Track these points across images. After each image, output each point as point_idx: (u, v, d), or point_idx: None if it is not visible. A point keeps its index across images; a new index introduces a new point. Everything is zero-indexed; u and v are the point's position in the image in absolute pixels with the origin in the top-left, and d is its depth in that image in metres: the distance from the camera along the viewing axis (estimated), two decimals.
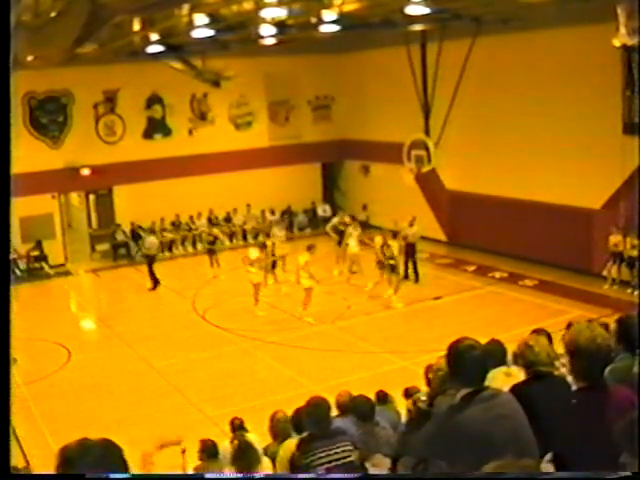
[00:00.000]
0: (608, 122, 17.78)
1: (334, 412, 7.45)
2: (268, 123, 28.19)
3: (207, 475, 5.74)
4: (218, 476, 5.21)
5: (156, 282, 21.31)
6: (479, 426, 3.58)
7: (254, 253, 18.67)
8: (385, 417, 7.55)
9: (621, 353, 4.92)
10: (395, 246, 18.35)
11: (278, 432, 7.84)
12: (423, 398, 4.15)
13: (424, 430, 3.98)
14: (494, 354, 6.43)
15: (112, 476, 2.72)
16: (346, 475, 5.24)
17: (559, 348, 4.53)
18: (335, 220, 22.43)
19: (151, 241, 21.93)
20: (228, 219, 26.97)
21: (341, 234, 21.43)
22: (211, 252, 22.48)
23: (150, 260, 21.47)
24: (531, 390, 4.41)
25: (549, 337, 6.20)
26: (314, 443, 5.62)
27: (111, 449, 2.85)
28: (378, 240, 18.39)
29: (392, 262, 18.12)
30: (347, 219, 22.21)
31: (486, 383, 3.89)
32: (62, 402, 13.78)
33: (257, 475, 6.43)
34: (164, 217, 25.77)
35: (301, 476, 5.47)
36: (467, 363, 3.77)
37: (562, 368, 4.89)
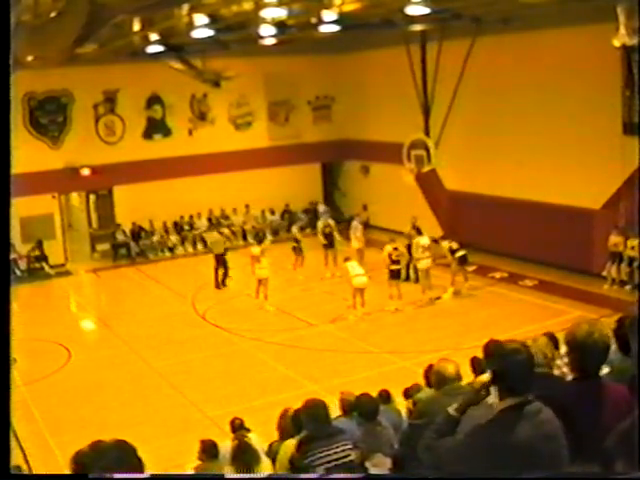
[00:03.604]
0: (608, 122, 17.78)
1: (337, 412, 7.47)
2: (268, 123, 28.19)
3: (228, 476, 5.72)
4: (233, 476, 5.20)
5: (223, 280, 21.02)
6: (529, 443, 3.39)
7: (256, 249, 19.06)
8: (386, 417, 7.56)
9: (619, 354, 4.95)
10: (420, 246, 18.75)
11: (286, 430, 7.84)
12: (455, 405, 3.96)
13: (460, 440, 3.71)
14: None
15: (115, 476, 2.69)
16: (346, 475, 5.24)
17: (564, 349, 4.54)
18: (319, 224, 22.68)
19: (215, 237, 21.99)
20: (227, 219, 26.94)
21: (327, 237, 21.72)
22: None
23: (218, 257, 21.07)
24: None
25: (554, 339, 6.19)
26: (313, 443, 5.62)
27: (126, 450, 2.81)
28: (388, 247, 18.34)
29: (394, 267, 18.09)
30: (331, 221, 22.56)
31: None
32: (62, 402, 13.78)
33: (259, 475, 6.44)
34: (164, 217, 25.74)
35: (301, 476, 5.48)
36: (512, 370, 3.50)
37: (564, 367, 4.90)
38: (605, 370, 4.54)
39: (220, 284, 20.90)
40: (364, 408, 7.09)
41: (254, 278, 18.95)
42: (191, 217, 26.46)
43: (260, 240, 20.66)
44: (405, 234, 20.24)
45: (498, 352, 3.65)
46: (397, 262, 18.16)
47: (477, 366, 7.50)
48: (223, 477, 5.32)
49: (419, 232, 19.70)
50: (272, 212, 27.76)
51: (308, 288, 20.37)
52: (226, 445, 7.89)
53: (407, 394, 8.65)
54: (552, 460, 3.41)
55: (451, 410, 3.87)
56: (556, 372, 5.17)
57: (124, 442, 2.83)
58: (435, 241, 19.87)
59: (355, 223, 22.33)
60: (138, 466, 2.78)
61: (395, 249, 18.20)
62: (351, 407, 7.31)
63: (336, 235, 21.77)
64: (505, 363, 3.55)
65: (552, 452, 3.44)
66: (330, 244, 21.56)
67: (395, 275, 18.09)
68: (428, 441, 3.90)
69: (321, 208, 27.96)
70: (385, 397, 8.65)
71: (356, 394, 7.56)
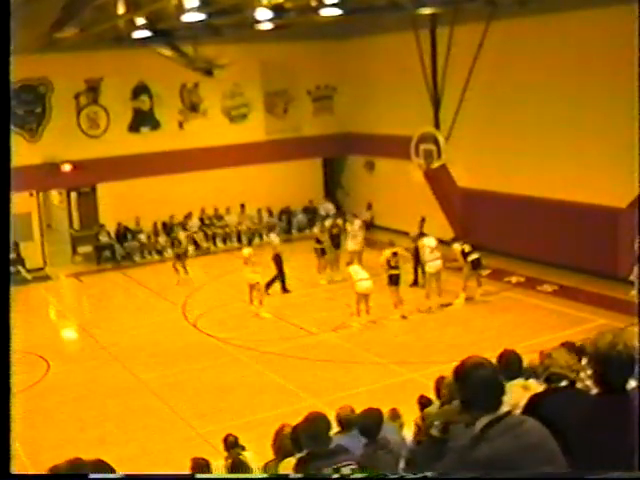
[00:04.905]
0: (634, 112, 17.72)
1: (336, 428, 7.43)
2: (265, 115, 28.18)
3: (199, 476, 5.78)
4: (215, 476, 5.23)
5: (274, 281, 20.62)
6: (510, 457, 3.44)
7: (247, 251, 19.31)
8: (391, 434, 7.52)
9: None
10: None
11: (283, 449, 7.80)
12: (436, 423, 4.06)
13: (446, 463, 3.86)
14: (510, 365, 6.42)
15: (114, 476, 2.76)
16: (346, 476, 5.26)
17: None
18: (327, 224, 22.82)
19: (274, 239, 21.73)
20: (221, 219, 26.93)
21: (333, 238, 21.86)
22: (178, 257, 22.29)
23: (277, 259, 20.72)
24: (547, 402, 4.40)
25: (576, 350, 6.17)
26: (313, 463, 5.59)
27: (104, 471, 2.86)
28: (386, 252, 18.31)
29: (393, 272, 18.06)
30: (340, 221, 22.77)
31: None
32: (40, 419, 13.73)
33: (259, 475, 6.45)
34: (152, 217, 25.72)
35: (297, 476, 5.52)
36: (477, 385, 3.60)
37: (587, 380, 4.88)
38: (632, 384, 4.51)
39: (268, 287, 20.40)
40: (366, 424, 7.04)
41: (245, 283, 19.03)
42: (186, 217, 26.41)
43: (251, 241, 20.73)
44: (411, 235, 20.26)
45: (460, 371, 3.72)
46: (396, 267, 18.14)
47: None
48: (193, 477, 5.40)
49: (422, 234, 19.72)
50: (270, 212, 27.73)
51: (308, 294, 20.36)
52: (219, 464, 7.87)
53: (421, 403, 8.62)
54: (542, 468, 3.46)
55: (434, 431, 3.97)
56: (579, 385, 5.15)
57: (104, 463, 2.88)
58: (446, 243, 19.87)
59: (347, 225, 22.36)
60: None
61: (394, 254, 18.17)
62: (349, 423, 7.24)
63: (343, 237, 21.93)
64: (468, 381, 3.64)
65: (540, 462, 3.48)
66: (337, 245, 21.71)
67: (394, 281, 18.06)
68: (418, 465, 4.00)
69: (330, 207, 28.04)
70: (392, 415, 8.62)
71: (355, 408, 7.53)
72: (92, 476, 2.75)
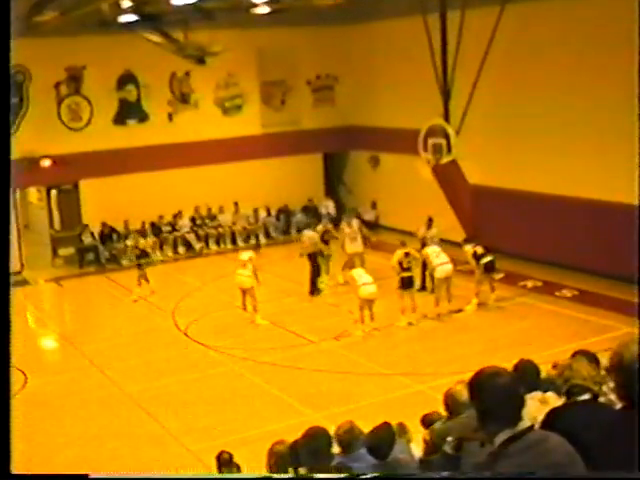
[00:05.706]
0: None
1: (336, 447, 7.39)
2: (261, 107, 28.21)
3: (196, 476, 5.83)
4: (217, 476, 5.24)
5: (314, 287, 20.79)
6: (537, 475, 3.42)
7: (245, 255, 19.29)
8: (402, 454, 7.48)
9: None
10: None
11: (278, 467, 7.77)
12: (449, 439, 4.06)
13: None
14: (526, 377, 6.40)
15: (114, 476, 2.85)
16: (345, 475, 5.29)
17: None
18: (319, 229, 22.81)
19: (310, 236, 21.50)
20: (214, 219, 26.91)
21: (327, 243, 21.83)
22: (139, 267, 21.96)
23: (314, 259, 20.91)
24: (567, 417, 4.39)
25: (596, 359, 6.16)
26: None
27: None
28: (398, 253, 18.30)
29: (405, 274, 18.03)
30: (354, 222, 22.63)
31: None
32: (16, 436, 13.69)
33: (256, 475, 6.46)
34: (140, 217, 25.72)
35: (295, 476, 5.55)
36: (496, 396, 3.60)
37: (610, 394, 4.88)
38: None
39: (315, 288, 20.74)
40: (376, 443, 6.93)
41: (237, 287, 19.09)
42: (175, 217, 26.40)
43: (258, 245, 20.68)
44: (419, 237, 20.23)
45: (475, 382, 3.71)
46: (409, 269, 18.15)
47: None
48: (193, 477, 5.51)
49: (423, 245, 19.65)
50: (268, 211, 27.71)
51: (307, 299, 20.36)
52: None
53: (425, 421, 8.59)
54: None
55: (447, 449, 3.99)
56: (602, 399, 5.15)
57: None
58: (457, 245, 19.86)
59: (342, 224, 22.37)
60: None
61: (406, 254, 18.17)
62: (351, 444, 7.05)
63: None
64: (484, 393, 3.63)
65: None
66: (341, 247, 21.69)
67: (407, 284, 18.06)
68: None
69: (330, 205, 28.16)
70: (399, 430, 8.58)
71: (358, 423, 7.46)
72: (92, 476, 2.80)
